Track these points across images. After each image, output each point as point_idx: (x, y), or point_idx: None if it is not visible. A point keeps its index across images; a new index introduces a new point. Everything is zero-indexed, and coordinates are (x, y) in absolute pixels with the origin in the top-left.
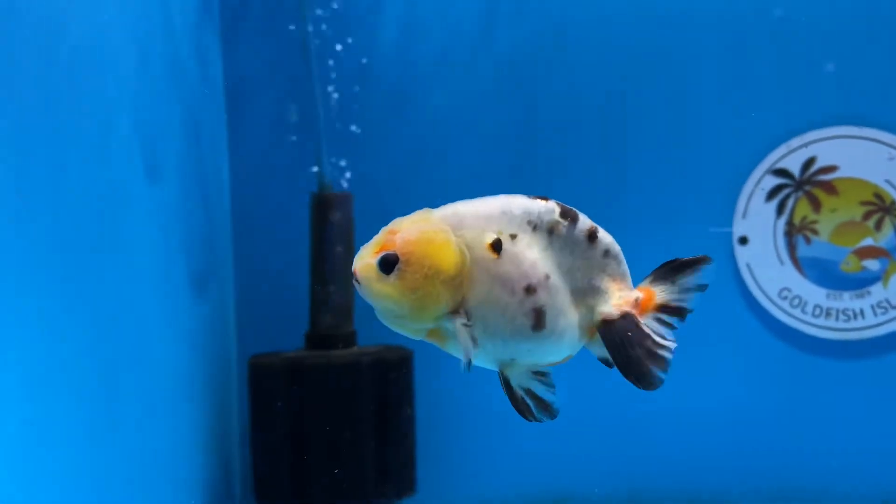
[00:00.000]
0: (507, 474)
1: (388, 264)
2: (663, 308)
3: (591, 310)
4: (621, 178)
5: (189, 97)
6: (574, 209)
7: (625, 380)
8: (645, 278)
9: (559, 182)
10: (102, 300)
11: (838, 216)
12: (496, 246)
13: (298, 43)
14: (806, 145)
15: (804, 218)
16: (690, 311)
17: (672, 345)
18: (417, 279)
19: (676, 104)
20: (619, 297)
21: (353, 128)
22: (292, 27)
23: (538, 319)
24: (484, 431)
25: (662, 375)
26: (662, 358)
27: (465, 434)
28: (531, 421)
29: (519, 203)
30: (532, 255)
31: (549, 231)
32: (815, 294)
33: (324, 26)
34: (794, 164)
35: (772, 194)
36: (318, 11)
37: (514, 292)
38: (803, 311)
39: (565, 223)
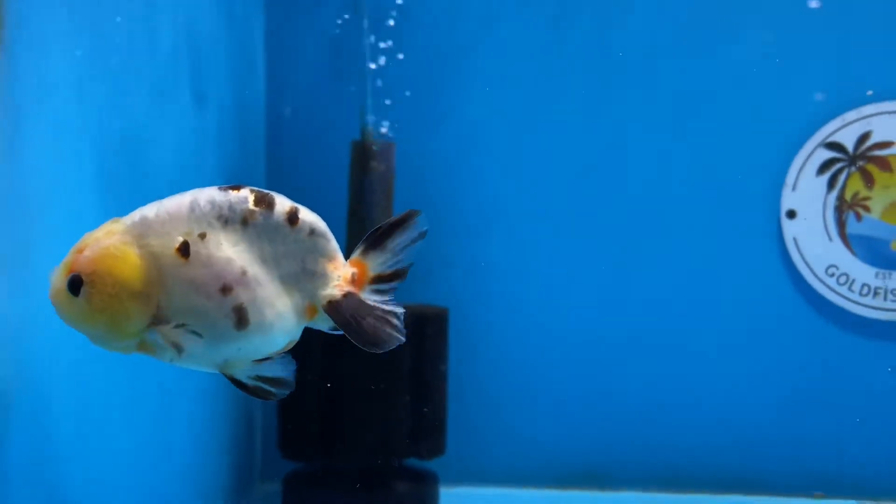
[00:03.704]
0: (537, 445)
1: (74, 286)
2: (378, 279)
3: (311, 293)
4: (667, 146)
5: (234, 19)
6: (271, 193)
7: (663, 359)
8: (356, 250)
9: (612, 150)
10: None
11: (892, 194)
12: (183, 250)
13: None
14: (862, 119)
15: (856, 194)
16: (409, 267)
17: (397, 309)
18: (104, 298)
19: (727, 72)
20: (337, 277)
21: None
22: None
23: (241, 318)
24: (516, 398)
25: (397, 335)
26: (392, 322)
27: (495, 399)
28: (272, 399)
29: (207, 197)
30: (224, 253)
31: (242, 222)
32: (864, 272)
33: None
34: (848, 138)
35: (823, 168)
36: None
37: (210, 295)
38: (850, 290)
39: (260, 210)
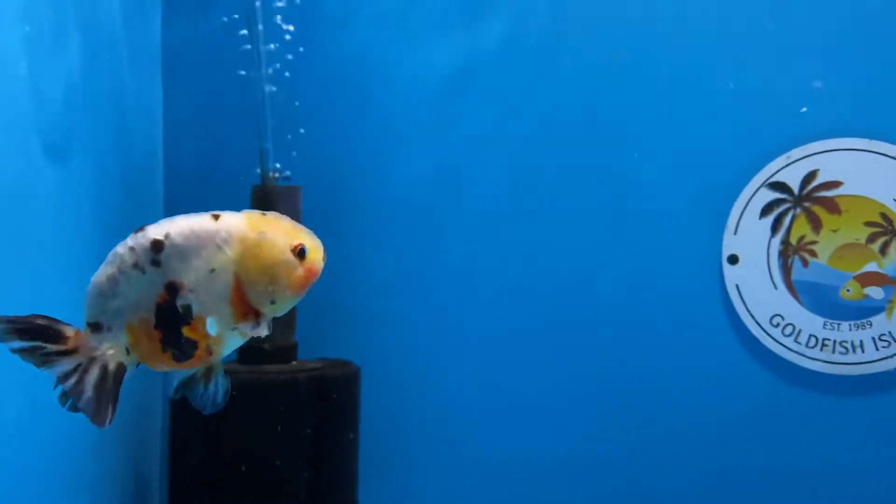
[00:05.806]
0: None
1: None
2: None
3: None
4: (601, 185)
5: (116, 64)
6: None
7: (595, 413)
8: None
9: (541, 189)
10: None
11: (840, 237)
12: None
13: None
14: (808, 157)
15: (802, 238)
16: None
17: None
18: None
19: (666, 107)
20: None
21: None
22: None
23: None
24: (441, 463)
25: None
26: None
27: (412, 466)
28: None
29: None
30: None
31: None
32: (811, 322)
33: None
34: (793, 178)
35: (767, 210)
36: None
37: None
38: (796, 341)
39: None
